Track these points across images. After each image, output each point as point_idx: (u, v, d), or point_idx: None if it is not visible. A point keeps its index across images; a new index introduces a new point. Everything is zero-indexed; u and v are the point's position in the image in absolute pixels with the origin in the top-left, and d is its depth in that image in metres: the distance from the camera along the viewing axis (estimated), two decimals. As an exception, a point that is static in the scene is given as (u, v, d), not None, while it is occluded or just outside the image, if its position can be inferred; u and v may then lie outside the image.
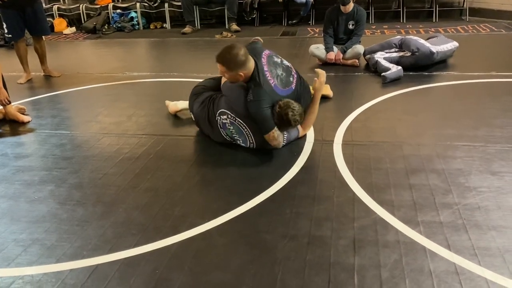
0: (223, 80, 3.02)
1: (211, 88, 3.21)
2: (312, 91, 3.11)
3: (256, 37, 3.34)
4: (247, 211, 2.34)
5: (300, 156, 2.88)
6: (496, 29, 6.39)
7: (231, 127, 2.89)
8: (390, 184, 2.52)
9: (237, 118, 2.84)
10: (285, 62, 2.99)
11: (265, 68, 2.78)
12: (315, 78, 3.05)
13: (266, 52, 2.90)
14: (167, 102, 3.73)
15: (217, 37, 6.91)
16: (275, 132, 2.76)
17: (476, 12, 7.21)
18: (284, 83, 2.85)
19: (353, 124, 3.34)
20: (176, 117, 3.67)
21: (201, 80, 3.41)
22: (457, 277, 1.82)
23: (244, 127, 2.85)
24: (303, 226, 2.19)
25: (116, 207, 2.45)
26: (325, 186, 2.54)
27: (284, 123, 2.75)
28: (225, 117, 2.89)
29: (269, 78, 2.77)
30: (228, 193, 2.53)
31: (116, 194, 2.58)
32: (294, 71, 3.01)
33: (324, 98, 3.87)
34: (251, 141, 2.89)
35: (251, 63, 2.75)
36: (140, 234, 2.20)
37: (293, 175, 2.67)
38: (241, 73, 2.74)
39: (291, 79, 2.93)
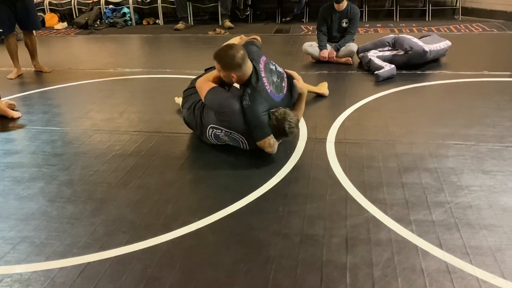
0: (207, 85, 2.84)
1: None
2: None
3: (254, 36, 3.24)
4: (239, 209, 2.33)
5: (293, 154, 2.87)
6: (488, 29, 6.43)
7: (225, 137, 2.85)
8: (383, 182, 2.52)
9: (233, 132, 2.79)
10: (279, 68, 2.95)
11: (263, 74, 2.74)
12: (294, 80, 2.97)
13: (263, 59, 2.85)
14: (176, 99, 3.71)
15: (210, 33, 6.88)
16: (271, 139, 2.72)
17: (469, 12, 7.25)
18: (278, 90, 2.83)
19: (346, 122, 3.34)
20: (167, 114, 3.65)
21: (193, 77, 3.37)
22: (449, 275, 1.83)
23: (239, 137, 2.80)
24: (296, 224, 2.19)
25: (107, 204, 2.43)
26: (318, 184, 2.54)
27: (281, 134, 2.71)
28: (219, 131, 2.83)
29: (265, 83, 2.73)
30: (221, 191, 2.52)
31: (107, 191, 2.56)
32: (285, 76, 2.97)
33: (320, 96, 3.88)
34: (245, 146, 2.85)
35: (248, 67, 2.70)
36: (131, 232, 2.18)
37: (286, 173, 2.66)
38: (233, 75, 2.69)
39: (283, 84, 2.90)
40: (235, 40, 3.45)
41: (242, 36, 3.45)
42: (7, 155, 3.06)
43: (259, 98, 2.68)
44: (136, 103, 3.96)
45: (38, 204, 2.45)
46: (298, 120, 2.77)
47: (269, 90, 2.73)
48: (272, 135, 2.71)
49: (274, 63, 2.95)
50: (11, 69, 4.93)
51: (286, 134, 2.70)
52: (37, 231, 2.22)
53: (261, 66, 2.79)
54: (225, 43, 3.44)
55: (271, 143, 2.72)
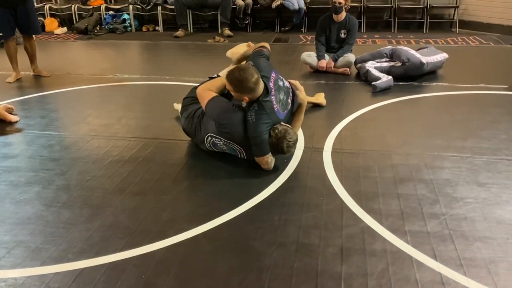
0: (208, 94, 2.85)
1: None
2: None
3: (263, 44, 3.10)
4: (235, 217, 2.34)
5: (290, 163, 2.88)
6: (485, 42, 6.49)
7: (224, 146, 2.85)
8: (379, 193, 2.53)
9: (231, 142, 2.79)
10: (286, 83, 2.93)
11: (273, 93, 2.73)
12: (297, 91, 2.98)
13: (273, 75, 2.82)
14: (175, 105, 3.72)
15: (210, 41, 6.91)
16: (269, 157, 2.73)
17: (466, 25, 7.32)
18: (284, 107, 2.83)
19: (343, 132, 3.36)
20: (165, 121, 3.66)
21: (192, 84, 3.39)
22: (443, 287, 1.84)
23: (238, 147, 2.81)
24: (291, 233, 2.19)
25: (103, 210, 2.43)
26: (314, 193, 2.55)
27: (278, 152, 2.72)
28: (217, 139, 2.83)
29: (274, 102, 2.72)
30: (217, 199, 2.53)
31: (103, 197, 2.56)
32: (291, 91, 2.96)
33: (317, 106, 3.90)
34: (243, 156, 2.86)
35: (260, 88, 2.66)
36: (127, 238, 2.18)
37: (283, 182, 2.67)
38: (246, 97, 2.67)
39: (289, 100, 2.90)
40: (242, 47, 3.41)
41: (250, 43, 3.41)
42: (4, 159, 3.05)
43: (264, 117, 2.67)
44: (134, 109, 3.97)
45: (34, 209, 2.45)
46: (296, 139, 2.76)
47: (276, 109, 2.73)
48: (270, 154, 2.72)
49: (282, 78, 2.93)
50: (10, 73, 4.94)
51: (283, 153, 2.71)
52: (33, 235, 2.22)
53: (271, 84, 2.76)
54: (232, 50, 3.44)
55: (268, 161, 2.74)
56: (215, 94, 2.83)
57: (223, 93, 2.94)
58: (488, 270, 1.93)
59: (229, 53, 3.49)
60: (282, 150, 2.68)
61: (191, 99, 3.08)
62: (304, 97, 3.00)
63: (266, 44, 3.12)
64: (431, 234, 2.16)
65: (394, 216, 2.31)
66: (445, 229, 2.20)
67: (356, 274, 1.91)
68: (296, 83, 3.02)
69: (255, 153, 2.74)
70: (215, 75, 3.22)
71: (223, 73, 3.17)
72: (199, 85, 3.04)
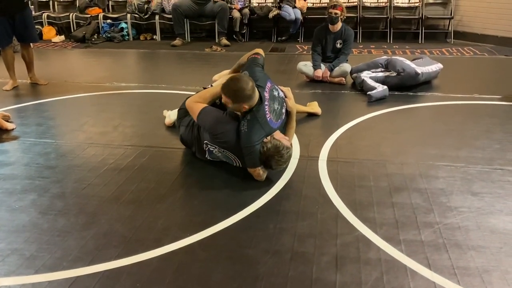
0: (197, 106, 2.85)
1: None
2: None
3: (257, 51, 3.12)
4: (230, 225, 2.34)
5: (285, 172, 2.89)
6: (479, 53, 6.56)
7: (219, 154, 2.86)
8: (373, 202, 2.54)
9: (225, 150, 2.81)
10: (281, 94, 2.95)
11: (266, 102, 2.75)
12: (286, 98, 3.00)
13: (269, 85, 2.85)
14: (165, 112, 3.73)
15: (207, 50, 6.95)
16: (260, 170, 2.73)
17: (461, 36, 7.40)
18: (278, 116, 2.85)
19: (338, 141, 3.38)
20: (161, 129, 3.67)
21: (189, 93, 3.41)
22: (437, 296, 1.85)
23: (232, 155, 2.82)
24: (286, 241, 2.20)
25: (98, 218, 2.43)
26: (309, 202, 2.56)
27: (267, 167, 2.73)
28: (213, 147, 2.85)
29: (267, 112, 2.74)
30: (212, 207, 2.53)
31: (99, 205, 2.56)
32: (285, 100, 2.98)
33: (313, 115, 3.92)
34: (238, 164, 2.87)
35: (256, 96, 2.69)
36: (122, 246, 2.18)
37: (278, 190, 2.68)
38: (245, 106, 2.67)
39: (283, 110, 2.92)
40: (227, 72, 3.43)
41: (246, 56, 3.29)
42: (0, 167, 3.05)
43: (257, 126, 2.68)
44: (131, 118, 3.98)
45: (30, 217, 2.45)
46: (289, 157, 2.74)
47: (268, 119, 2.74)
48: (262, 166, 2.73)
49: (277, 88, 2.95)
50: (7, 81, 4.94)
51: (272, 169, 2.73)
52: (28, 243, 2.22)
53: (266, 94, 2.78)
54: (219, 74, 3.50)
55: (260, 173, 2.74)
56: (204, 105, 2.84)
57: (215, 104, 2.95)
58: (482, 279, 1.93)
59: (216, 76, 3.55)
60: (271, 167, 2.71)
61: (185, 110, 3.07)
62: (293, 105, 3.03)
63: (261, 51, 3.13)
64: (425, 243, 2.18)
65: (388, 225, 2.32)
66: (439, 238, 2.21)
67: (351, 283, 1.92)
68: (287, 90, 3.03)
69: (247, 163, 2.76)
70: (209, 86, 3.24)
71: (218, 83, 3.19)
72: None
